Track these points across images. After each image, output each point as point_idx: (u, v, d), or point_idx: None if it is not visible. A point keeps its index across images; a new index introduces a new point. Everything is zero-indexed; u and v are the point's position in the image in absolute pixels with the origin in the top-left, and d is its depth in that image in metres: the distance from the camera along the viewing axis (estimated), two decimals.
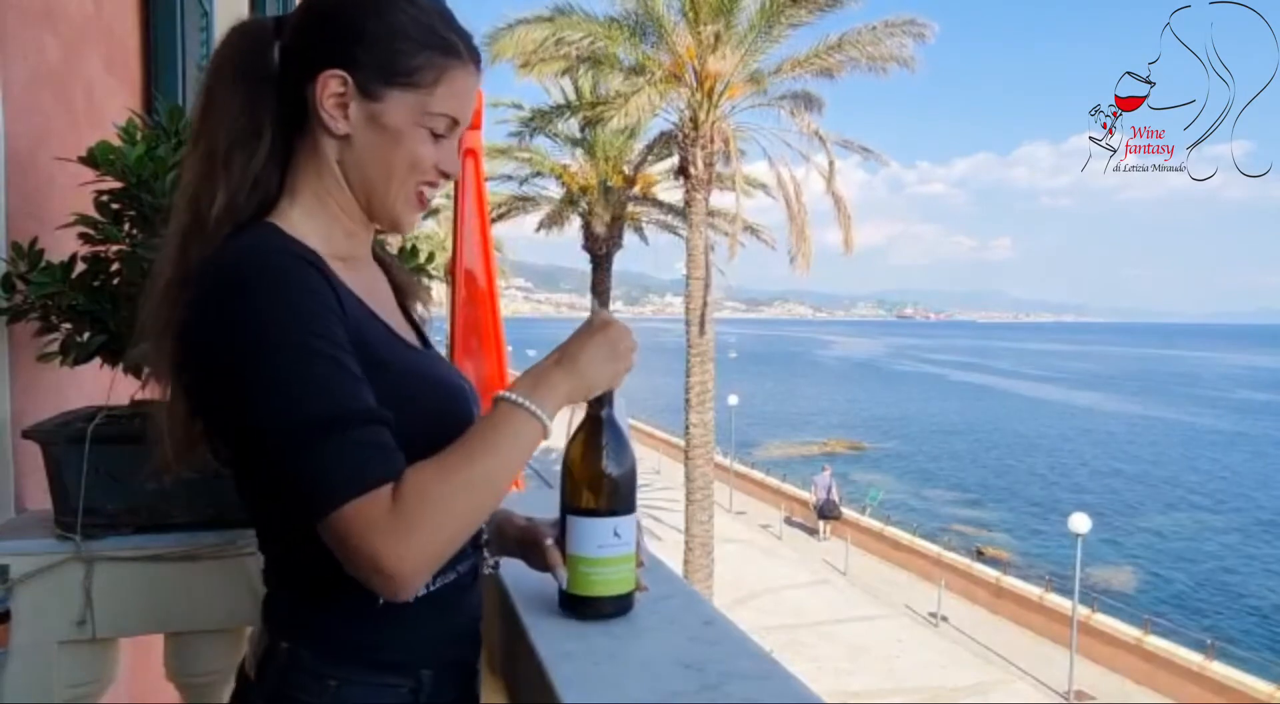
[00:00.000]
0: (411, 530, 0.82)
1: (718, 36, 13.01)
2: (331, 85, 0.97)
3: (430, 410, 0.99)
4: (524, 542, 1.17)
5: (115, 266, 1.56)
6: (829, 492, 21.38)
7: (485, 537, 1.16)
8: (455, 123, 1.03)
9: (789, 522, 22.85)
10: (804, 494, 23.33)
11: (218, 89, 1.00)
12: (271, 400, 0.85)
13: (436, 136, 1.02)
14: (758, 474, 27.75)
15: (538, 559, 1.13)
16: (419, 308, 1.20)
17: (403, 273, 1.20)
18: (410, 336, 1.11)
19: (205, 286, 0.91)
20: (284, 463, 0.84)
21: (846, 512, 21.95)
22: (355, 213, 1.04)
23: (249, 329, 0.86)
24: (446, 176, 1.05)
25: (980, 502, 30.75)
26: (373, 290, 1.07)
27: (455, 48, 1.01)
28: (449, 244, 3.11)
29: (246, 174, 0.98)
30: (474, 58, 1.04)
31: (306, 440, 0.83)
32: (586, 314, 1.07)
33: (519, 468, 0.91)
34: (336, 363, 0.87)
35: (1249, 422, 54.44)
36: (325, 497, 0.82)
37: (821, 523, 21.72)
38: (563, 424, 1.28)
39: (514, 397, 0.94)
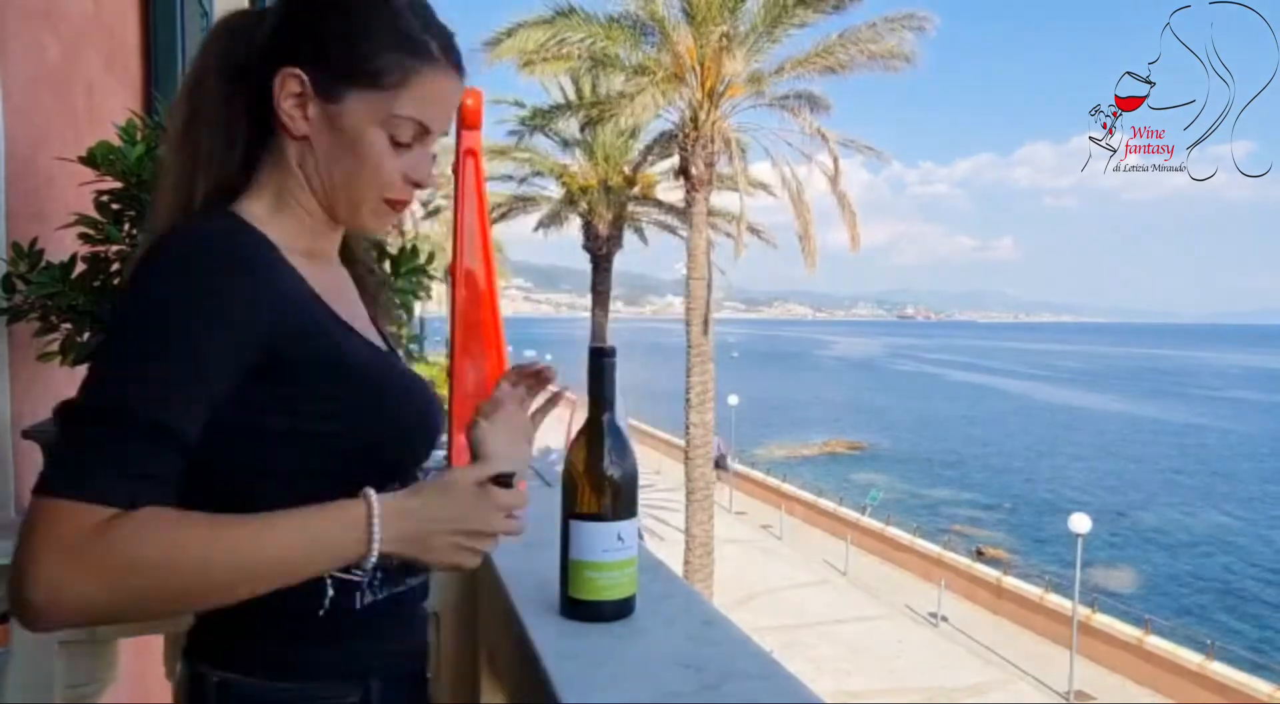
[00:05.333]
0: (85, 570, 0.71)
1: (728, 37, 12.99)
2: (290, 84, 0.92)
3: (388, 406, 0.97)
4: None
5: (115, 266, 1.56)
6: (719, 449, 25.95)
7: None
8: (426, 130, 0.95)
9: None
10: (804, 494, 25.04)
11: (196, 85, 0.96)
12: (100, 372, 0.80)
13: (401, 144, 0.95)
14: (758, 474, 27.81)
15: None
16: (387, 326, 1.14)
17: (379, 287, 1.14)
18: (375, 340, 1.05)
19: (140, 255, 0.89)
20: (60, 432, 0.80)
21: (846, 511, 23.31)
22: (320, 214, 0.99)
23: (137, 302, 0.84)
24: (418, 186, 0.98)
25: (980, 501, 30.74)
26: (336, 290, 1.01)
27: (426, 49, 0.94)
28: (449, 245, 3.11)
29: (202, 153, 0.94)
30: (451, 60, 0.96)
31: (83, 421, 0.78)
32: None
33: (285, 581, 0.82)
34: (187, 374, 0.80)
35: (1243, 420, 54.48)
36: (49, 479, 0.75)
37: (716, 473, 26.16)
38: (563, 426, 1.27)
39: (374, 505, 0.84)
